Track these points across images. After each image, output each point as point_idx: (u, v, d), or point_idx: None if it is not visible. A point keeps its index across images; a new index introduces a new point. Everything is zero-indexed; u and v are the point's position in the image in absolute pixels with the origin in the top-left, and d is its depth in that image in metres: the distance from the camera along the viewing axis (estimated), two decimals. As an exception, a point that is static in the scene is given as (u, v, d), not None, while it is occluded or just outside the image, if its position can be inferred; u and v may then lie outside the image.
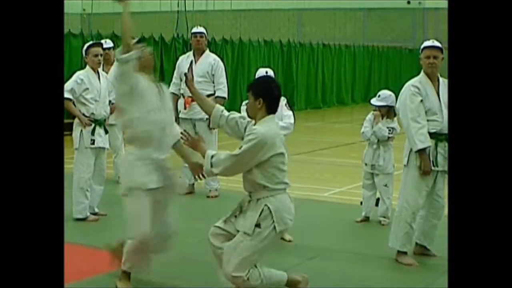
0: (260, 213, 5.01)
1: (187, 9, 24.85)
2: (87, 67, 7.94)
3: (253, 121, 5.23)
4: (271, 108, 5.15)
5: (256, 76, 7.13)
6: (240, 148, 4.98)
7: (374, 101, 7.94)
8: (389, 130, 7.83)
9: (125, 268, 5.55)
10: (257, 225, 5.01)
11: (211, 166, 5.08)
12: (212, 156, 5.10)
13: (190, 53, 9.70)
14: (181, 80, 9.46)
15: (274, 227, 5.02)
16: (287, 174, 5.21)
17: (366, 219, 8.03)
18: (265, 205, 5.02)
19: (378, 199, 8.03)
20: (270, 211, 5.01)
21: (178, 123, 9.52)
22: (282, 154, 5.08)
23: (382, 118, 7.87)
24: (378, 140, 7.90)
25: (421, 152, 6.19)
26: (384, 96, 7.88)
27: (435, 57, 6.29)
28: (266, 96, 5.11)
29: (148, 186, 5.38)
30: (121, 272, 5.60)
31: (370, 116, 8.01)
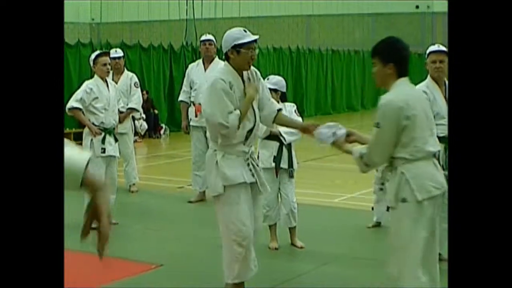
0: (398, 183, 4.51)
1: (195, 17, 24.93)
2: (96, 76, 7.98)
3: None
4: (402, 71, 4.65)
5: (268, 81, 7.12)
6: (375, 125, 4.53)
7: (384, 106, 7.93)
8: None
9: (230, 281, 5.29)
10: (400, 199, 4.50)
11: (366, 166, 4.65)
12: (361, 157, 4.64)
13: (200, 61, 9.73)
14: (191, 88, 9.49)
15: (416, 197, 4.45)
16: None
17: (378, 224, 8.01)
18: (401, 172, 4.50)
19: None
20: (407, 179, 4.49)
21: (189, 131, 9.62)
22: (420, 117, 4.55)
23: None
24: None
25: (431, 156, 6.18)
26: (394, 102, 7.87)
27: (441, 61, 6.30)
28: (397, 59, 4.63)
29: (242, 180, 5.15)
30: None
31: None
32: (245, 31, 5.20)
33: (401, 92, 4.61)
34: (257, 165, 5.36)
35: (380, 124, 4.51)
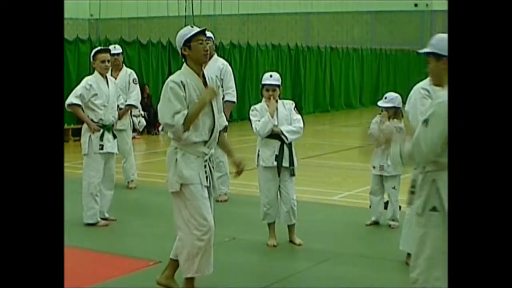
0: (428, 190, 4.07)
1: (194, 13, 24.90)
2: (95, 72, 7.97)
3: None
4: None
5: (263, 80, 7.13)
6: (423, 123, 3.97)
7: (381, 103, 7.95)
8: (397, 130, 7.82)
9: (190, 275, 5.35)
10: (430, 208, 4.05)
11: (401, 158, 4.14)
12: (400, 153, 4.16)
13: (199, 57, 9.71)
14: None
15: (445, 207, 3.91)
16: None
17: (376, 222, 8.02)
18: (433, 180, 4.04)
19: (386, 203, 8.02)
20: (438, 189, 4.02)
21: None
22: None
23: (389, 120, 7.86)
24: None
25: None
26: (390, 98, 7.88)
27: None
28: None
29: (198, 181, 5.23)
30: (185, 282, 5.40)
31: (377, 118, 8.01)
32: (192, 27, 5.33)
33: None
34: (213, 168, 5.44)
35: (430, 123, 3.96)
